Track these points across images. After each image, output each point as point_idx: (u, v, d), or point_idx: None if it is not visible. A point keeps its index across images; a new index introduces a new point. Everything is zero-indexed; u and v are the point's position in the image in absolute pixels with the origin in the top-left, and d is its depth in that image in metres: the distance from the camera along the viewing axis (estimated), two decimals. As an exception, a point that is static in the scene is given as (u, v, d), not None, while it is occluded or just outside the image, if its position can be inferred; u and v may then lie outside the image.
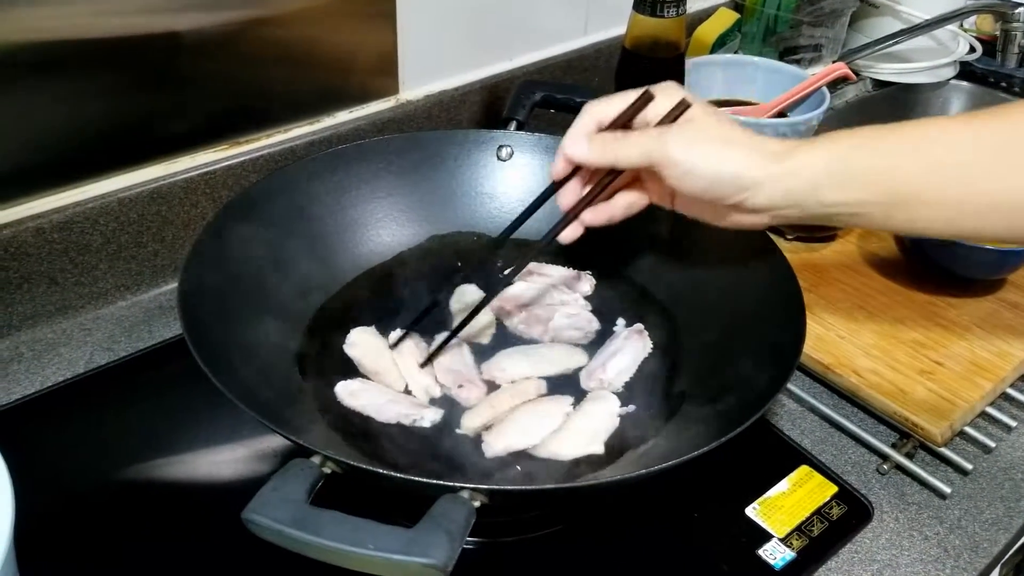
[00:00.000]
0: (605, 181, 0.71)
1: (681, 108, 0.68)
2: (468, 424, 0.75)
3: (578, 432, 0.73)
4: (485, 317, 0.85)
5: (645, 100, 0.69)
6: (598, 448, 0.73)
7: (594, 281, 0.91)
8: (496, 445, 0.72)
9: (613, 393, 0.78)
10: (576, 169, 0.72)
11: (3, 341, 0.88)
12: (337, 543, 0.50)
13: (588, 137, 0.70)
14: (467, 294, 0.88)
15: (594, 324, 0.86)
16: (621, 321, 0.86)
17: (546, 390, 0.79)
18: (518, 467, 0.72)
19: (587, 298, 0.89)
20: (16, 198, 0.85)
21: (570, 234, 0.74)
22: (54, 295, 0.90)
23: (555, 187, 0.74)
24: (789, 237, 1.03)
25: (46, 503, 0.72)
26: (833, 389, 0.88)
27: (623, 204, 0.74)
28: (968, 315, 0.93)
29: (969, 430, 0.84)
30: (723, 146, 0.66)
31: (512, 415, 0.75)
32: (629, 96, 0.70)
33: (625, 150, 0.68)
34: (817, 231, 1.03)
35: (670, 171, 0.66)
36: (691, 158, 0.65)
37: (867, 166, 0.65)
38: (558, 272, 0.91)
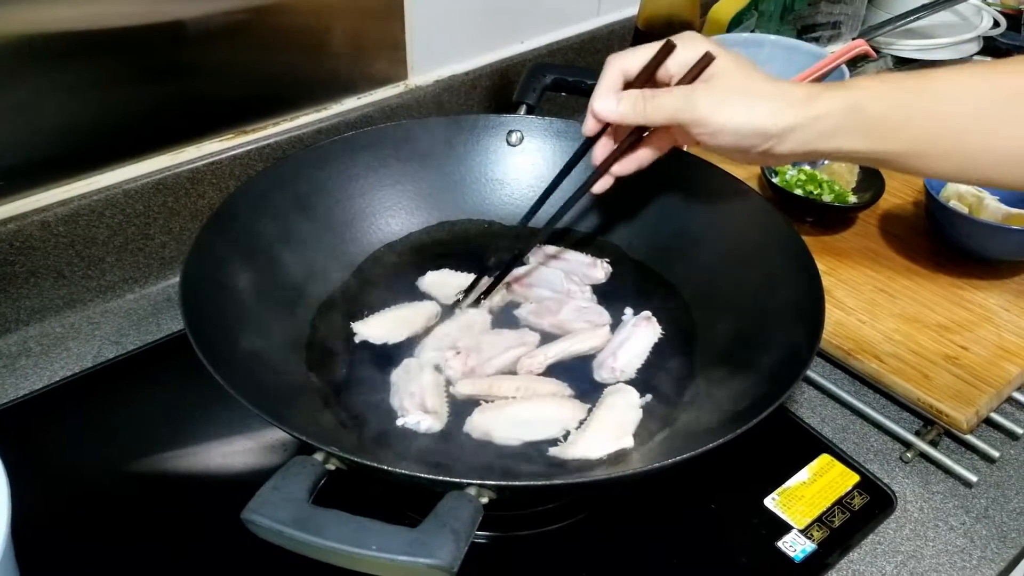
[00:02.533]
0: (636, 134, 0.74)
1: (704, 62, 0.68)
2: (459, 389, 0.75)
3: (604, 428, 0.71)
4: (497, 295, 0.86)
5: (667, 51, 0.70)
6: (627, 442, 0.70)
7: (609, 269, 0.89)
8: (478, 426, 0.72)
9: (627, 383, 0.76)
10: (607, 124, 0.74)
11: (11, 336, 0.88)
12: (339, 544, 0.49)
13: (616, 94, 0.71)
14: (437, 281, 0.87)
15: (604, 316, 0.84)
16: (629, 310, 0.84)
17: (570, 393, 0.76)
18: (532, 463, 0.70)
19: (602, 285, 0.87)
20: (20, 191, 0.84)
21: (602, 186, 0.77)
22: (61, 289, 0.89)
23: (588, 143, 0.76)
24: (809, 220, 1.00)
25: (54, 499, 0.72)
26: (854, 375, 0.86)
27: (650, 150, 0.76)
28: (994, 297, 0.91)
29: (995, 416, 0.81)
30: (750, 100, 0.67)
31: (518, 403, 0.74)
32: (651, 48, 0.71)
33: (654, 111, 0.69)
34: (836, 219, 1.01)
35: (700, 130, 0.68)
36: (719, 118, 0.67)
37: (883, 118, 0.66)
38: (575, 257, 0.89)
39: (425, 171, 0.92)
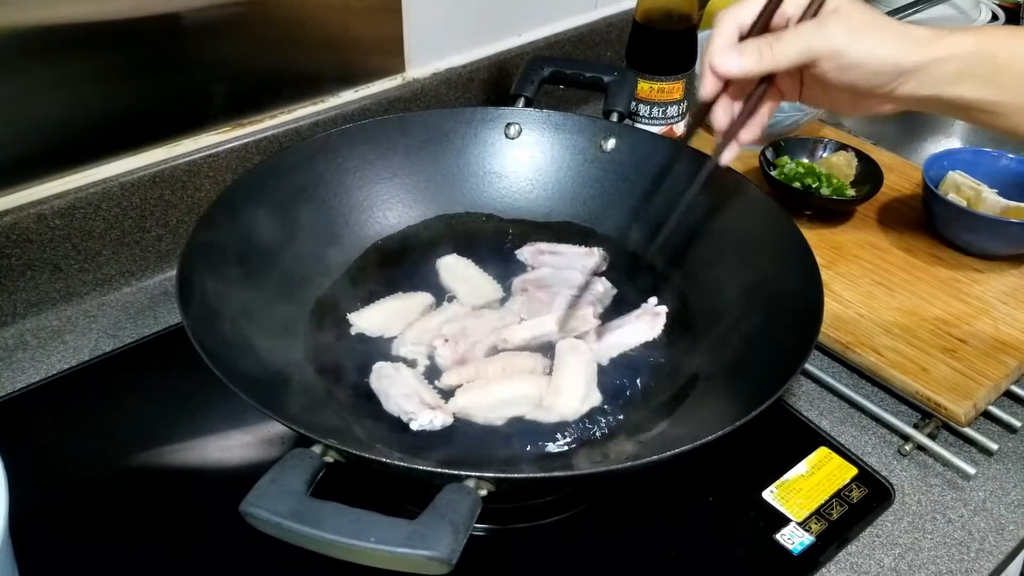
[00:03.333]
0: (758, 92, 0.69)
1: None
2: (447, 379, 0.76)
3: (573, 390, 0.73)
4: (491, 290, 0.86)
5: None
6: (596, 399, 0.73)
7: (606, 255, 0.89)
8: (460, 407, 0.73)
9: (626, 371, 0.77)
10: (724, 87, 0.69)
11: (7, 329, 0.88)
12: (337, 536, 0.49)
13: (735, 48, 0.65)
14: (454, 266, 0.87)
15: (597, 308, 0.83)
16: (652, 299, 0.84)
17: (545, 367, 0.77)
18: (527, 447, 0.70)
19: (599, 274, 0.87)
20: (16, 184, 0.84)
21: (730, 155, 0.71)
22: (58, 282, 0.89)
23: (704, 109, 0.70)
24: (807, 213, 1.00)
25: (52, 493, 0.72)
26: (852, 368, 0.86)
27: (766, 111, 0.70)
28: (992, 290, 0.91)
29: (993, 409, 0.81)
30: (881, 33, 0.63)
31: (497, 383, 0.75)
32: None
33: (784, 52, 0.63)
34: (834, 213, 1.01)
35: (831, 63, 0.63)
36: (854, 48, 0.62)
37: (1012, 65, 0.62)
38: (569, 250, 0.89)
39: (423, 164, 0.92)
